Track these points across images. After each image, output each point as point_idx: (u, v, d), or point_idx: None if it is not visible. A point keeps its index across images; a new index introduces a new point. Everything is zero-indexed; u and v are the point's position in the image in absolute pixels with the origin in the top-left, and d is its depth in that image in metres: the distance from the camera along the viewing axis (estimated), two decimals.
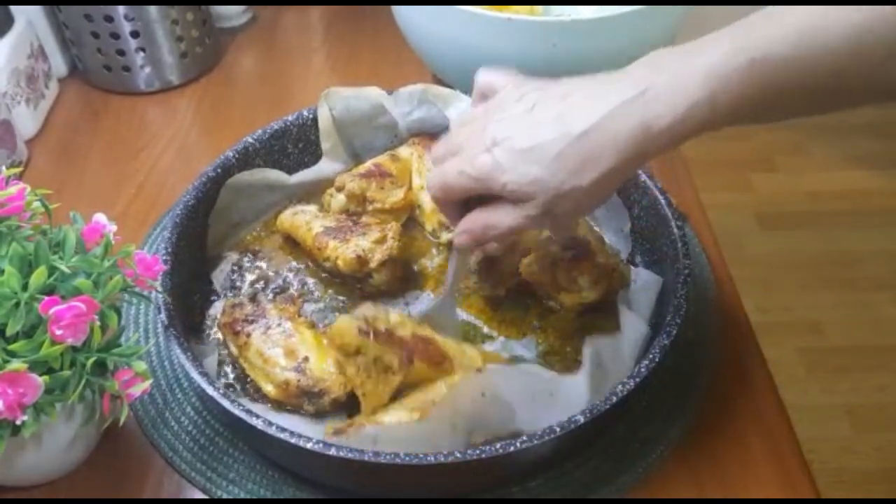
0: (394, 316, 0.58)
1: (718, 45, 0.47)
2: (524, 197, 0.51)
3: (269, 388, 0.59)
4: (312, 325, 0.64)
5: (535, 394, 0.55)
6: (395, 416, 0.55)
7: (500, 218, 0.53)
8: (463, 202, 0.56)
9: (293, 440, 0.50)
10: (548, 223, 0.54)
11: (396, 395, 0.57)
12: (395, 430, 0.53)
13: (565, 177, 0.49)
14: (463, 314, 0.67)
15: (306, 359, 0.59)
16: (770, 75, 0.45)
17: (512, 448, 0.50)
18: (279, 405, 0.59)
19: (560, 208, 0.51)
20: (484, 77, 0.57)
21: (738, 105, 0.46)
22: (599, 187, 0.50)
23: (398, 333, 0.57)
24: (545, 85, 0.53)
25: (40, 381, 0.47)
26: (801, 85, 0.46)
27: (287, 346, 0.60)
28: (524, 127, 0.50)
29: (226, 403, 0.52)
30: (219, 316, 0.65)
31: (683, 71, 0.47)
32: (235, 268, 0.71)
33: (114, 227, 0.52)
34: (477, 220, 0.55)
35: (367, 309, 0.57)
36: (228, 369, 0.63)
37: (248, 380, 0.62)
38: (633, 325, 0.60)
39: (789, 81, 0.45)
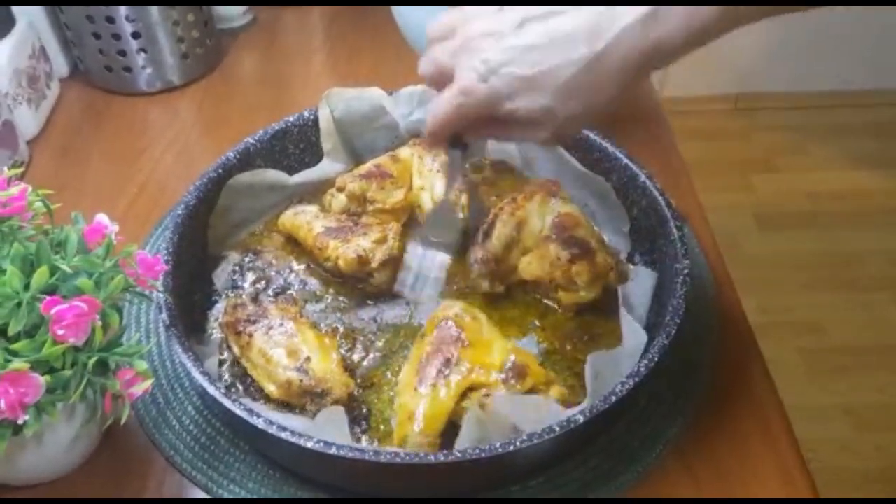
0: None
1: None
2: (532, 121, 0.50)
3: (271, 388, 0.59)
4: (314, 326, 0.64)
5: (538, 418, 0.55)
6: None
7: (511, 136, 0.54)
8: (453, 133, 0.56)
9: (294, 440, 0.50)
10: (557, 140, 0.53)
11: None
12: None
13: (576, 104, 0.48)
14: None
15: (308, 359, 0.59)
16: None
17: (512, 448, 0.50)
18: (281, 405, 0.59)
19: (569, 129, 0.51)
20: (435, 25, 0.54)
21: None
22: (609, 106, 0.49)
23: None
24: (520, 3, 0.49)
25: (42, 380, 0.47)
26: None
27: (289, 347, 0.60)
28: (521, 51, 0.48)
29: (227, 403, 0.53)
30: (220, 316, 0.65)
31: None
32: (236, 268, 0.71)
33: (115, 227, 0.53)
34: (484, 133, 0.55)
35: None
36: (229, 369, 0.63)
37: (250, 380, 0.62)
38: (634, 337, 0.60)
39: None
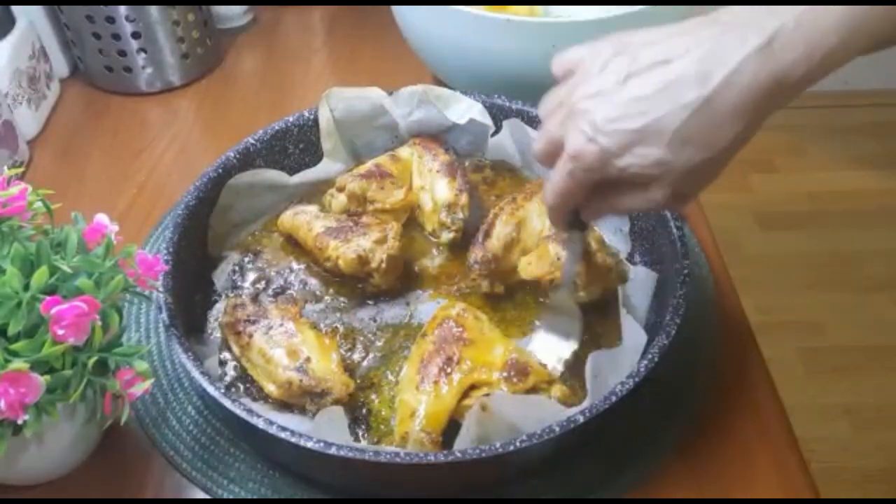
0: None
1: None
2: (647, 179, 0.47)
3: (271, 388, 0.59)
4: (314, 326, 0.64)
5: (539, 418, 0.55)
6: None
7: (627, 203, 0.49)
8: (573, 207, 0.53)
9: (294, 440, 0.50)
10: (674, 203, 0.48)
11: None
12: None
13: (692, 153, 0.44)
14: None
15: (308, 359, 0.59)
16: None
17: (512, 448, 0.50)
18: (281, 405, 0.59)
19: (689, 186, 0.47)
20: (557, 61, 0.51)
21: (881, 31, 0.41)
22: (731, 152, 0.45)
23: None
24: (625, 47, 0.47)
25: (42, 380, 0.47)
26: None
27: (289, 347, 0.60)
28: (624, 103, 0.45)
29: (227, 403, 0.53)
30: (220, 316, 0.65)
31: (810, 16, 0.42)
32: (236, 268, 0.71)
33: (115, 227, 0.53)
34: (600, 207, 0.52)
35: None
36: (229, 369, 0.63)
37: (250, 379, 0.62)
38: (634, 337, 0.60)
39: None
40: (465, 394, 0.57)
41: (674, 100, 0.44)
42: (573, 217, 0.56)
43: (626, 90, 0.45)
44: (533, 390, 0.57)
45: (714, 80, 0.43)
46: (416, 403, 0.57)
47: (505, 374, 0.57)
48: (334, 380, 0.58)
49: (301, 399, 0.58)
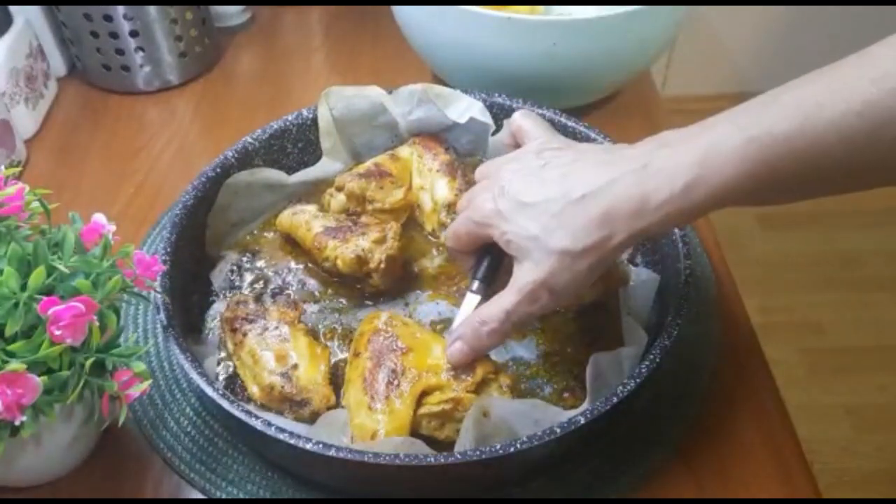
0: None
1: (721, 124, 0.46)
2: (518, 252, 0.51)
3: (254, 390, 0.59)
4: (311, 333, 0.63)
5: (539, 420, 0.55)
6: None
7: (492, 306, 0.53)
8: (479, 254, 0.58)
9: (293, 441, 0.50)
10: (544, 298, 0.52)
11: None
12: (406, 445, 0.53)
13: (559, 237, 0.49)
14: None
15: (296, 366, 0.59)
16: (771, 153, 0.44)
17: (512, 448, 0.50)
18: (261, 409, 0.59)
19: (554, 276, 0.50)
20: (520, 120, 0.58)
21: (736, 183, 0.45)
22: (592, 257, 0.50)
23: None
24: (566, 146, 0.54)
25: (39, 381, 0.47)
26: (808, 164, 0.44)
27: (279, 351, 0.59)
28: (532, 182, 0.51)
29: (225, 404, 0.52)
30: (223, 310, 0.64)
31: (683, 148, 0.47)
32: (234, 268, 0.71)
33: (113, 227, 0.52)
34: (466, 323, 0.55)
35: None
36: (222, 368, 0.63)
37: (238, 379, 0.61)
38: (636, 338, 0.59)
39: (793, 160, 0.44)
40: (419, 402, 0.56)
41: (564, 191, 0.50)
42: (480, 266, 0.58)
43: (539, 173, 0.52)
44: (483, 384, 0.56)
45: (596, 184, 0.49)
46: (374, 424, 0.55)
47: (452, 373, 0.56)
48: (315, 391, 0.58)
49: (281, 405, 0.58)
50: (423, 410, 0.56)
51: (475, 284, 0.58)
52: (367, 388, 0.56)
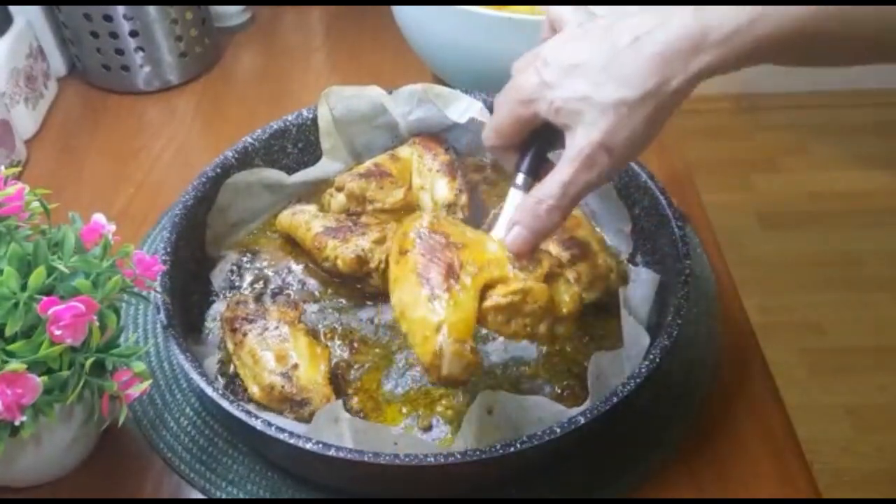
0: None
1: None
2: (569, 118, 0.47)
3: (254, 390, 0.59)
4: (311, 333, 0.63)
5: (542, 418, 0.54)
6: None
7: (548, 181, 0.49)
8: (523, 150, 0.53)
9: (293, 441, 0.50)
10: (601, 162, 0.47)
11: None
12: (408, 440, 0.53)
13: (612, 88, 0.45)
14: None
15: (296, 366, 0.59)
16: None
17: (512, 448, 0.50)
18: (261, 408, 0.59)
19: (610, 133, 0.46)
20: (556, 9, 0.53)
21: (812, 23, 0.43)
22: (650, 104, 0.46)
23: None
24: (611, 20, 0.49)
25: (39, 381, 0.47)
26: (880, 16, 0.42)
27: (279, 351, 0.59)
28: (575, 44, 0.48)
29: (225, 404, 0.52)
30: (223, 310, 0.64)
31: None
32: (234, 268, 0.71)
33: (113, 227, 0.52)
34: (523, 207, 0.50)
35: None
36: (223, 367, 0.63)
37: (238, 379, 0.61)
38: (636, 338, 0.59)
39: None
40: (483, 295, 0.51)
41: (611, 41, 0.46)
42: (524, 159, 0.54)
43: (582, 35, 0.48)
44: (550, 276, 0.52)
45: (647, 25, 0.45)
46: (435, 316, 0.49)
47: (517, 265, 0.51)
48: (316, 391, 0.58)
49: (281, 405, 0.58)
50: (488, 303, 0.50)
51: (520, 178, 0.53)
52: (422, 282, 0.50)
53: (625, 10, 0.48)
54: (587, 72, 0.46)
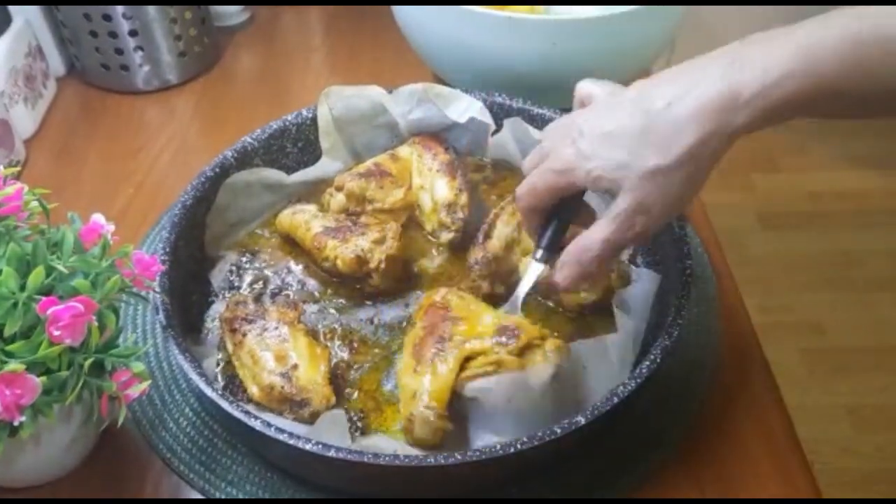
0: None
1: (817, 20, 0.45)
2: (610, 185, 0.49)
3: (253, 390, 0.59)
4: (310, 333, 0.63)
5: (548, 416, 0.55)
6: None
7: (592, 235, 0.52)
8: (547, 217, 0.56)
9: (292, 442, 0.50)
10: (640, 222, 0.50)
11: None
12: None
13: (648, 155, 0.47)
14: None
15: (295, 366, 0.59)
16: (878, 50, 0.43)
17: (512, 449, 0.49)
18: (261, 409, 0.59)
19: (650, 198, 0.48)
20: (584, 85, 0.55)
21: (835, 81, 0.44)
22: (687, 167, 0.47)
23: None
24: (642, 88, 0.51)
25: (38, 381, 0.47)
26: None
27: (279, 351, 0.59)
28: (609, 113, 0.49)
29: (224, 404, 0.52)
30: (222, 310, 0.64)
31: (777, 42, 0.45)
32: (234, 268, 0.71)
33: (112, 227, 0.52)
34: (569, 252, 0.53)
35: None
36: (223, 367, 0.63)
37: (238, 379, 0.61)
38: (623, 326, 0.59)
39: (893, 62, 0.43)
40: (463, 367, 0.56)
41: (644, 107, 0.48)
42: (545, 233, 0.57)
43: (616, 104, 0.50)
44: (528, 348, 0.57)
45: (679, 89, 0.47)
46: (416, 385, 0.56)
47: (497, 339, 0.57)
48: (315, 391, 0.58)
49: (280, 405, 0.58)
50: (466, 373, 0.56)
51: (539, 253, 0.58)
52: (415, 353, 0.58)
53: (655, 77, 0.50)
54: (623, 140, 0.48)
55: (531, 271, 0.59)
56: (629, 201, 0.49)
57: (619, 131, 0.48)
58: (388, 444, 0.55)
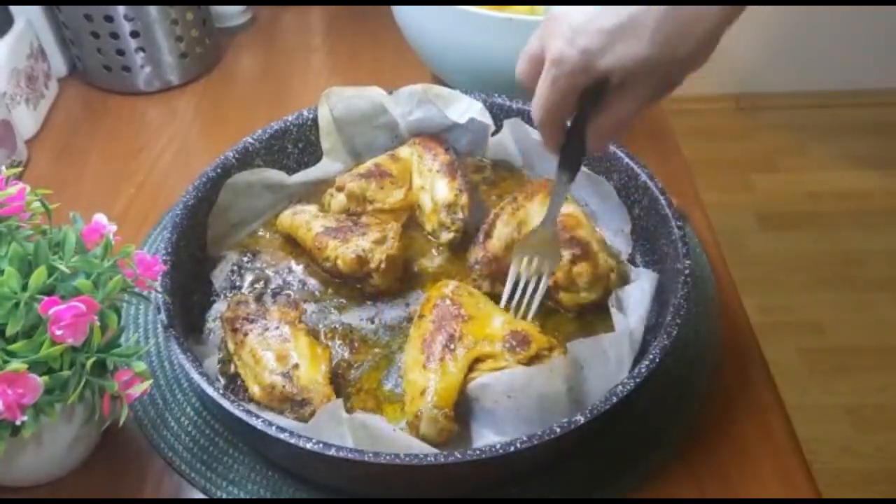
0: None
1: None
2: (631, 77, 0.47)
3: (255, 390, 0.59)
4: (312, 333, 0.63)
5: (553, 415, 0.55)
6: None
7: (620, 111, 0.49)
8: (564, 123, 0.53)
9: (293, 441, 0.50)
10: (668, 90, 0.49)
11: None
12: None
13: (675, 45, 0.44)
14: None
15: (296, 366, 0.59)
16: None
17: (512, 448, 0.50)
18: (262, 408, 0.59)
19: (676, 74, 0.47)
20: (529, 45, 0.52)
21: None
22: (713, 35, 0.45)
23: None
24: None
25: (40, 381, 0.47)
26: None
27: (280, 351, 0.59)
28: (599, 7, 0.46)
29: (226, 404, 0.52)
30: (224, 310, 0.64)
31: None
32: (235, 268, 0.71)
33: (113, 227, 0.52)
34: (600, 127, 0.51)
35: None
36: (224, 367, 0.63)
37: (239, 379, 0.61)
38: (619, 325, 0.59)
39: None
40: (471, 368, 0.58)
41: None
42: (566, 145, 0.55)
43: None
44: (536, 358, 0.58)
45: None
46: (424, 382, 0.57)
47: (507, 344, 0.58)
48: (316, 391, 0.58)
49: (281, 405, 0.58)
50: (473, 375, 0.57)
51: (566, 175, 0.57)
52: (424, 348, 0.58)
53: None
54: (637, 33, 0.45)
55: (561, 193, 0.58)
56: (654, 83, 0.47)
57: (629, 25, 0.45)
58: (384, 425, 0.55)
